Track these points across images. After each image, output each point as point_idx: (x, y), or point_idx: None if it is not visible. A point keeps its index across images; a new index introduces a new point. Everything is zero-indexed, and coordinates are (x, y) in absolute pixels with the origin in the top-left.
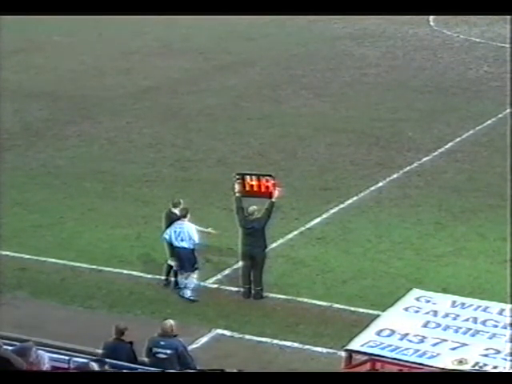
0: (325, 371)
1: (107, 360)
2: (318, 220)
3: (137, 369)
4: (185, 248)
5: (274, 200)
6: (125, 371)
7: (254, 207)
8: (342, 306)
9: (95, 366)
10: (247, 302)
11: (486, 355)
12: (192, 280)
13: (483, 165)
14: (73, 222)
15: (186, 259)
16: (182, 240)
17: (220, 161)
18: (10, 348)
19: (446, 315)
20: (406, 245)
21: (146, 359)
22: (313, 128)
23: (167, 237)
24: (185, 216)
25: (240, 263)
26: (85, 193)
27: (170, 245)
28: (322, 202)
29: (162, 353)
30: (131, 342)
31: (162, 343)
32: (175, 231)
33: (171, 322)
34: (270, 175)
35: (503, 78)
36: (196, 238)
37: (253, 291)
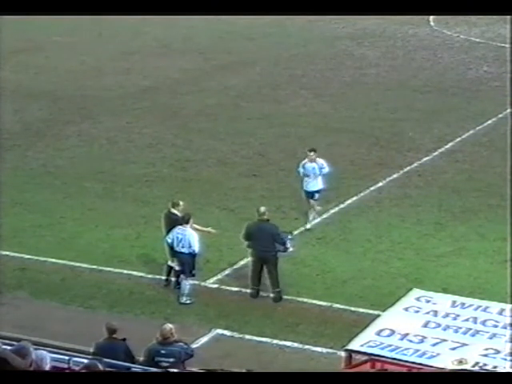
0: (325, 371)
1: (108, 360)
2: (318, 220)
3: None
4: (184, 254)
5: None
6: (125, 371)
7: (265, 208)
8: (341, 306)
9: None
10: (247, 302)
11: (485, 355)
12: (186, 286)
13: (483, 165)
14: (73, 222)
15: (185, 264)
16: (182, 247)
17: (220, 161)
18: (9, 348)
19: (446, 315)
20: (406, 245)
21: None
22: (313, 128)
23: (169, 240)
24: (187, 222)
25: (249, 263)
26: (85, 193)
27: (171, 248)
28: (321, 202)
29: (164, 361)
30: (124, 339)
31: (163, 352)
32: (177, 237)
33: (170, 325)
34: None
35: (503, 78)
36: (196, 247)
37: (272, 294)
